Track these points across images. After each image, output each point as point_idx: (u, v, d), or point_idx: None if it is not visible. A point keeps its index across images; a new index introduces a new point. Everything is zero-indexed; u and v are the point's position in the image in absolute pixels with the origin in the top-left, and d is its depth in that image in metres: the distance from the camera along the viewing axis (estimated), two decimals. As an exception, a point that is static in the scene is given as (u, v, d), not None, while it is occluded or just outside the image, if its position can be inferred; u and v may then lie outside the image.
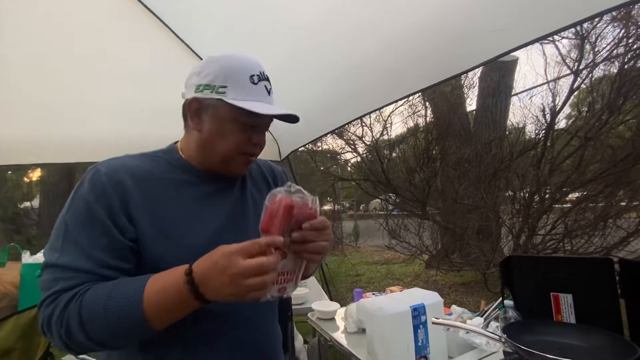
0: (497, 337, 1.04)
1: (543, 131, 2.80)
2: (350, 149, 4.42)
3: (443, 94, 4.26)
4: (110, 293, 0.59)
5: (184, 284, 0.57)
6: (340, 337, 1.62)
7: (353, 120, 1.96)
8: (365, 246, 8.96)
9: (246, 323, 0.76)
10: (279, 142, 2.36)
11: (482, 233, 3.04)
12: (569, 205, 2.81)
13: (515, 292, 1.26)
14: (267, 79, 0.76)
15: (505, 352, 0.99)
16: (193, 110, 0.75)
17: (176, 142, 0.84)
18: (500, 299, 1.47)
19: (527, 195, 2.81)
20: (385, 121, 4.01)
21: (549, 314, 1.18)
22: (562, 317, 1.16)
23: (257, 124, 0.76)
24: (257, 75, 0.74)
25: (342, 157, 5.07)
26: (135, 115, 1.99)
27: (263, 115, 0.72)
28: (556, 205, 2.79)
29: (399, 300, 1.27)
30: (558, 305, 1.17)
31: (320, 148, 4.89)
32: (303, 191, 0.66)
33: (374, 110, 1.83)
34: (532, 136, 2.92)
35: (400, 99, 1.71)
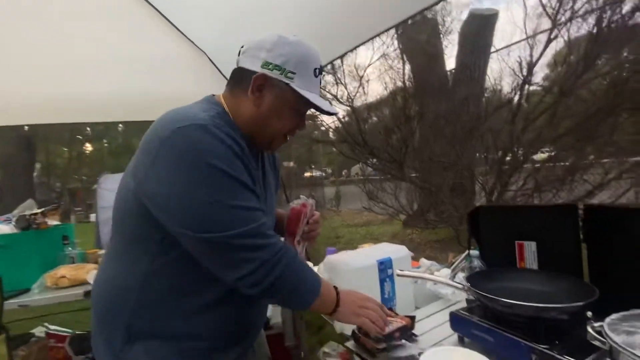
0: (460, 285, 1.03)
1: (519, 86, 2.76)
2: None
3: (420, 47, 4.10)
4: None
5: (334, 300, 0.81)
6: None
7: (325, 65, 1.83)
8: (346, 210, 9.13)
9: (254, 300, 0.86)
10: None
11: (456, 190, 3.08)
12: (541, 160, 2.85)
13: (481, 242, 1.25)
14: (322, 73, 0.83)
15: (467, 300, 0.98)
16: (257, 84, 0.76)
17: (218, 104, 0.80)
18: (467, 252, 1.48)
19: (500, 152, 2.82)
20: (361, 77, 3.86)
21: (514, 262, 1.18)
22: (525, 264, 1.17)
23: (306, 112, 0.83)
24: (319, 68, 0.80)
25: (321, 120, 4.93)
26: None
27: (323, 110, 0.79)
28: (527, 165, 2.83)
29: (366, 255, 1.24)
30: (522, 254, 1.17)
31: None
32: (306, 197, 1.00)
33: (342, 56, 1.71)
34: (509, 91, 2.87)
35: (367, 41, 1.59)
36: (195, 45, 1.77)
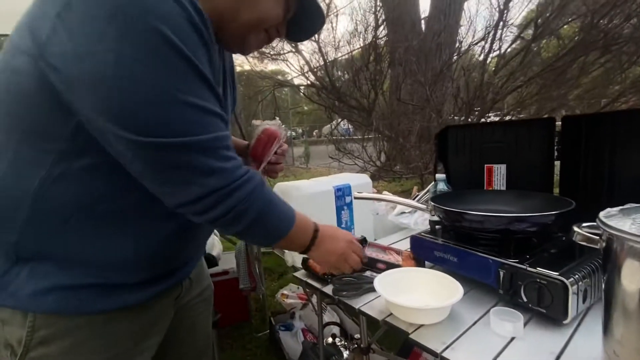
0: (423, 206, 0.92)
1: (493, 25, 2.60)
2: (291, 48, 3.90)
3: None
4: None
5: (311, 233, 0.67)
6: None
7: None
8: (316, 167, 9.04)
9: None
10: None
11: (423, 136, 2.99)
12: (508, 108, 2.79)
13: (448, 166, 1.14)
14: None
15: (431, 222, 0.87)
16: None
17: None
18: (434, 181, 1.38)
19: (470, 93, 2.72)
20: (328, 5, 3.48)
21: (481, 186, 1.09)
22: (493, 188, 1.08)
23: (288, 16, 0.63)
24: None
25: (286, 63, 4.52)
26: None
27: (316, 11, 0.63)
28: (497, 105, 2.76)
29: (324, 183, 1.09)
30: (490, 177, 1.08)
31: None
32: (279, 121, 0.80)
33: None
34: (482, 29, 2.71)
35: None
36: None
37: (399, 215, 1.20)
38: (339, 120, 4.27)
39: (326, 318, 1.74)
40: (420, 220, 1.18)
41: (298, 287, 1.95)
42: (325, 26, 4.09)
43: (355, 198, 0.94)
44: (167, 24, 0.42)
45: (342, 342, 1.12)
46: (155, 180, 0.49)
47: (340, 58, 3.69)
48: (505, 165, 1.05)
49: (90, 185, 0.51)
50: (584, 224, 0.51)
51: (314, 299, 1.32)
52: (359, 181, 1.10)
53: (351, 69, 3.46)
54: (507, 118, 2.82)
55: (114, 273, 0.56)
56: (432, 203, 0.84)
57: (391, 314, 0.66)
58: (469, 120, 2.70)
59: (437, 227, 0.88)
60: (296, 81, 4.76)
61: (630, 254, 0.38)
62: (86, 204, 0.52)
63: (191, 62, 0.45)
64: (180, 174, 0.48)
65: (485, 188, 1.08)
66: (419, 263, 0.88)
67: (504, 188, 1.06)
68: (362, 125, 3.72)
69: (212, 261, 1.67)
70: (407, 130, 3.14)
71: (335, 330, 1.55)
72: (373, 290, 0.75)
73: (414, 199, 1.34)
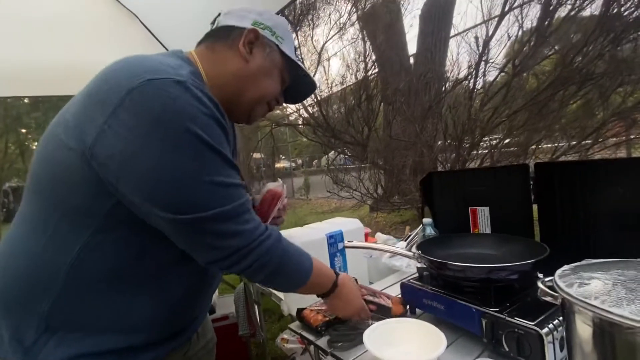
0: (409, 253, 0.96)
1: (475, 64, 2.77)
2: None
3: (382, 27, 4.03)
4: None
5: (331, 280, 0.78)
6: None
7: None
8: (316, 199, 9.08)
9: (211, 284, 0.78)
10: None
11: (417, 170, 3.07)
12: (497, 137, 2.90)
13: (435, 210, 1.19)
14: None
15: (418, 269, 0.91)
16: (248, 40, 0.69)
17: (182, 51, 0.68)
18: (422, 225, 1.43)
19: (458, 129, 2.83)
20: (320, 53, 3.71)
21: (467, 228, 1.14)
22: (478, 230, 1.13)
23: (284, 87, 0.77)
24: (297, 47, 0.79)
25: (285, 106, 4.69)
26: None
27: (308, 80, 0.80)
28: (485, 140, 2.86)
29: (316, 230, 1.14)
30: (475, 219, 1.13)
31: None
32: (280, 182, 0.87)
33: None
34: (466, 68, 2.88)
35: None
36: (123, 5, 1.54)
37: (392, 258, 1.23)
38: (336, 154, 4.40)
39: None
40: (412, 262, 1.21)
41: (298, 330, 1.93)
42: (319, 69, 4.34)
43: (346, 247, 0.98)
44: (196, 124, 0.53)
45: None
46: (189, 244, 0.59)
47: (333, 97, 3.88)
48: (488, 207, 1.10)
49: (121, 254, 0.58)
50: (547, 279, 0.55)
51: (312, 348, 1.32)
52: (351, 226, 1.15)
53: (344, 108, 3.62)
54: (494, 151, 2.92)
55: (134, 335, 0.62)
56: (418, 251, 0.89)
57: (382, 368, 0.69)
58: (460, 154, 2.80)
59: (424, 273, 0.92)
60: (293, 118, 4.95)
61: (577, 313, 0.43)
62: (115, 271, 0.59)
63: (217, 150, 0.56)
64: (210, 238, 0.57)
65: (471, 230, 1.12)
66: (411, 308, 0.91)
67: (488, 230, 1.10)
68: (357, 159, 3.82)
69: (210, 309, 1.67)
70: (401, 164, 3.23)
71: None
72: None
73: (406, 240, 1.38)
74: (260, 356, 2.03)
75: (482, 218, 1.11)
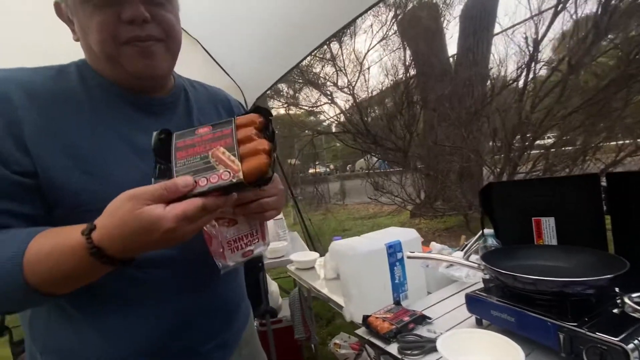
0: (475, 265, 0.97)
1: (525, 64, 2.66)
2: (327, 100, 4.19)
3: (421, 31, 3.99)
4: None
5: (83, 249, 0.44)
6: (319, 284, 1.56)
7: (318, 48, 1.78)
8: (352, 204, 9.06)
9: (200, 283, 0.64)
10: (243, 89, 2.15)
11: (463, 175, 2.99)
12: (550, 141, 2.75)
13: (495, 220, 1.18)
14: None
15: (484, 281, 0.92)
16: (64, 18, 0.60)
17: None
18: (481, 232, 1.41)
19: (508, 133, 2.73)
20: (361, 63, 3.76)
21: (530, 240, 1.12)
22: (543, 241, 1.10)
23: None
24: None
25: (322, 112, 4.83)
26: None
27: None
28: (538, 143, 2.73)
29: (374, 239, 1.18)
30: (539, 230, 1.11)
31: (297, 101, 4.60)
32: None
33: (332, 36, 1.65)
34: (515, 69, 2.77)
35: (358, 16, 1.53)
36: (187, 33, 1.71)
37: (450, 268, 1.24)
38: (376, 160, 4.40)
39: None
40: (472, 272, 1.21)
41: (349, 337, 1.97)
42: (359, 77, 4.39)
43: (409, 257, 1.01)
44: None
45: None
46: None
47: (373, 103, 3.91)
48: (553, 218, 1.08)
49: None
50: (635, 295, 0.55)
51: (368, 349, 1.34)
52: (408, 237, 1.17)
53: (385, 115, 3.64)
54: (547, 152, 2.76)
55: None
56: (484, 262, 0.90)
57: (456, 376, 0.71)
58: (510, 157, 2.69)
59: (490, 285, 0.92)
60: (331, 126, 5.06)
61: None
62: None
63: None
64: None
65: (535, 241, 1.10)
66: (477, 322, 0.92)
67: (554, 241, 1.07)
68: (399, 165, 3.80)
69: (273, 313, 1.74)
70: (446, 170, 3.17)
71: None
72: (436, 349, 0.81)
73: (462, 250, 1.38)
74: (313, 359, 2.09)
75: (547, 229, 1.09)
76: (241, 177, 0.45)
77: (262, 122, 0.52)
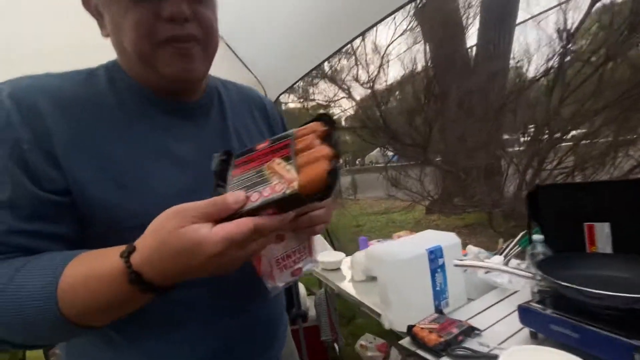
0: (530, 275, 0.92)
1: (557, 56, 2.54)
2: (345, 95, 4.12)
3: (440, 23, 3.86)
4: (12, 277, 0.40)
5: (122, 274, 0.39)
6: (347, 286, 1.53)
7: (343, 47, 1.72)
8: (365, 198, 8.99)
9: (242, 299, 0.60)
10: (264, 85, 2.10)
11: (486, 172, 2.90)
12: (580, 134, 2.64)
13: (543, 225, 1.12)
14: None
15: (540, 292, 0.87)
16: (92, 11, 0.55)
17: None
18: (520, 235, 1.35)
19: (536, 128, 2.63)
20: (382, 56, 3.66)
21: (581, 247, 1.05)
22: (596, 248, 1.04)
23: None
24: None
25: (338, 106, 4.74)
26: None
27: None
28: (567, 136, 2.62)
29: (413, 244, 1.14)
30: (592, 237, 1.04)
31: (313, 96, 4.54)
32: None
33: (360, 34, 1.58)
34: (543, 63, 2.65)
35: (387, 16, 1.47)
36: (233, 51, 1.66)
37: (490, 274, 1.19)
38: (393, 154, 4.32)
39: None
40: (514, 279, 1.15)
41: (375, 338, 1.95)
42: (379, 71, 4.28)
43: (456, 266, 0.97)
44: None
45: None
46: None
47: (392, 103, 3.82)
48: (608, 223, 1.01)
49: None
50: None
51: (395, 352, 1.30)
52: (448, 241, 1.12)
53: (406, 111, 3.56)
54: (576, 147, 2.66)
55: None
56: (541, 273, 0.85)
57: (521, 397, 0.67)
58: (538, 153, 2.60)
59: (546, 296, 0.87)
60: (346, 121, 4.98)
61: None
62: None
63: None
64: None
65: (587, 248, 1.04)
66: (532, 335, 0.87)
67: (609, 249, 1.01)
68: (416, 160, 3.72)
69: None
70: (469, 166, 3.08)
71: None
72: (493, 367, 0.76)
73: (500, 254, 1.32)
74: (336, 360, 2.07)
75: (601, 235, 1.02)
76: (296, 187, 0.39)
77: (324, 130, 0.46)
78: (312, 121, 0.49)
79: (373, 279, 1.52)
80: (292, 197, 0.38)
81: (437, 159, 3.80)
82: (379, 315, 1.19)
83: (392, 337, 1.47)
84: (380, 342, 1.85)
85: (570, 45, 2.45)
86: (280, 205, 0.39)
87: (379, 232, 5.06)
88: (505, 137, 2.91)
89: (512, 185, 3.16)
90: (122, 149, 0.51)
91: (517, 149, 2.85)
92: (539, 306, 0.85)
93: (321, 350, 1.97)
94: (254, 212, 0.39)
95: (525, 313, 0.87)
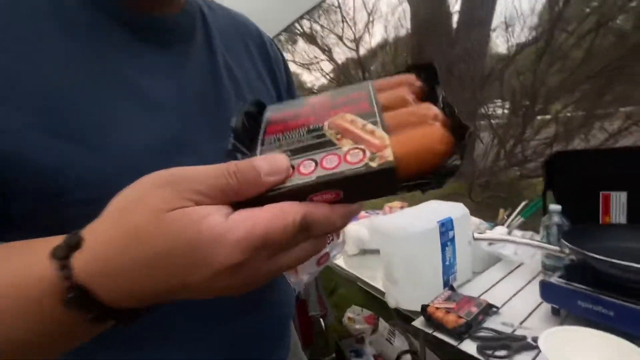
0: (555, 248, 0.84)
1: (551, 18, 2.46)
2: (326, 57, 3.86)
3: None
4: None
5: (53, 287, 0.21)
6: (339, 260, 1.43)
7: None
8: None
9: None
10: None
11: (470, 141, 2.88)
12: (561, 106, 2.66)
13: (557, 194, 1.06)
14: None
15: (566, 266, 0.80)
16: None
17: None
18: (522, 205, 1.30)
19: (519, 98, 2.60)
20: (370, 14, 3.41)
21: (595, 216, 1.01)
22: (610, 218, 0.99)
23: None
24: None
25: (319, 69, 4.43)
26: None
27: None
28: (550, 107, 2.63)
29: (421, 216, 1.03)
30: (607, 206, 0.99)
31: (291, 56, 4.19)
32: None
33: None
34: (532, 29, 2.58)
35: None
36: None
37: (495, 245, 1.12)
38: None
39: (397, 343, 1.69)
40: (520, 250, 1.10)
41: (362, 310, 1.90)
42: (365, 30, 4.00)
43: (476, 239, 0.88)
44: None
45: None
46: None
47: (376, 64, 3.63)
48: (626, 193, 0.96)
49: None
50: None
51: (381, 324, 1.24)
52: (458, 212, 1.03)
53: (393, 71, 3.39)
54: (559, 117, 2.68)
55: None
56: (570, 245, 0.77)
57: (564, 384, 0.60)
58: (521, 123, 2.59)
59: (570, 270, 0.81)
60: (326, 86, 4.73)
61: None
62: None
63: None
64: None
65: (601, 218, 0.99)
66: (553, 311, 0.81)
67: (623, 218, 0.97)
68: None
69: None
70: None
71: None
72: (527, 349, 0.69)
73: (503, 225, 1.27)
74: (320, 334, 2.03)
75: (617, 205, 0.97)
76: (390, 158, 0.22)
77: (421, 86, 0.29)
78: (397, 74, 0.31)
79: (367, 252, 1.43)
80: (381, 174, 0.22)
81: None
82: (377, 290, 1.11)
83: (389, 314, 1.42)
84: (368, 314, 1.82)
85: (559, 8, 2.37)
86: (350, 186, 0.22)
87: (365, 204, 5.05)
88: (489, 108, 2.87)
89: (492, 155, 3.19)
90: (67, 84, 0.33)
91: (498, 121, 2.83)
92: (563, 281, 0.78)
93: (309, 325, 1.91)
94: (299, 193, 0.22)
95: (547, 288, 0.80)
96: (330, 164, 0.22)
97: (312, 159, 0.23)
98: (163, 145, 0.36)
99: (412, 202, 1.49)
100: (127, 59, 0.37)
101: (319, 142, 0.24)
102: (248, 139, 0.27)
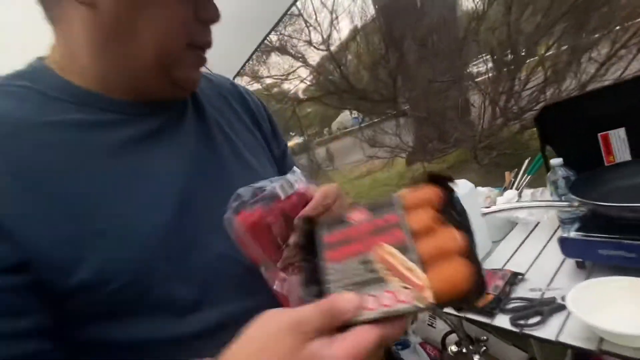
0: (565, 203, 0.84)
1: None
2: (301, 64, 3.87)
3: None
4: None
5: None
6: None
7: (287, 11, 1.52)
8: (343, 166, 8.94)
9: None
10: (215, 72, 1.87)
11: (461, 109, 2.86)
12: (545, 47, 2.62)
13: (556, 147, 1.05)
14: None
15: (580, 218, 0.80)
16: None
17: (41, 58, 0.43)
18: (526, 163, 1.29)
19: (500, 55, 2.57)
20: (332, 11, 3.42)
21: (599, 159, 1.00)
22: (614, 158, 0.98)
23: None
24: None
25: (297, 77, 4.43)
26: None
27: None
28: (532, 52, 2.59)
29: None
30: (608, 146, 0.98)
31: (266, 73, 4.23)
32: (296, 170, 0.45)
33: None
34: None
35: None
36: None
37: (508, 211, 1.12)
38: (355, 115, 4.20)
39: (439, 326, 1.69)
40: (535, 211, 1.09)
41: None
42: (331, 30, 4.02)
43: (484, 214, 0.88)
44: None
45: (470, 348, 1.08)
46: None
47: (351, 60, 3.63)
48: (623, 128, 0.95)
49: None
50: None
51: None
52: (464, 189, 1.04)
53: (367, 65, 3.39)
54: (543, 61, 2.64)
55: None
56: (578, 198, 0.77)
57: (602, 339, 0.60)
58: (509, 73, 2.56)
59: (586, 221, 0.80)
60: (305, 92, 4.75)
61: None
62: None
63: None
64: None
65: (605, 160, 0.98)
66: (578, 265, 0.81)
67: (627, 155, 0.96)
68: (392, 116, 3.63)
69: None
70: (440, 107, 3.02)
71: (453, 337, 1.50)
72: (558, 310, 0.70)
73: (512, 188, 1.26)
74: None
75: (618, 142, 0.96)
76: (431, 299, 0.28)
77: (442, 198, 0.33)
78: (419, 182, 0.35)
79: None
80: (427, 309, 0.29)
81: (407, 107, 3.73)
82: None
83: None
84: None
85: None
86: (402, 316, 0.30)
87: (368, 195, 5.03)
88: (473, 67, 2.84)
89: (487, 116, 3.16)
90: (84, 185, 0.36)
91: (487, 76, 2.80)
92: (581, 233, 0.78)
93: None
94: (369, 322, 0.29)
95: (567, 244, 0.80)
96: (388, 301, 0.29)
97: (371, 295, 0.29)
98: (175, 220, 0.39)
99: (404, 184, 1.50)
100: (129, 145, 0.41)
101: (373, 278, 0.30)
102: (308, 249, 0.35)
